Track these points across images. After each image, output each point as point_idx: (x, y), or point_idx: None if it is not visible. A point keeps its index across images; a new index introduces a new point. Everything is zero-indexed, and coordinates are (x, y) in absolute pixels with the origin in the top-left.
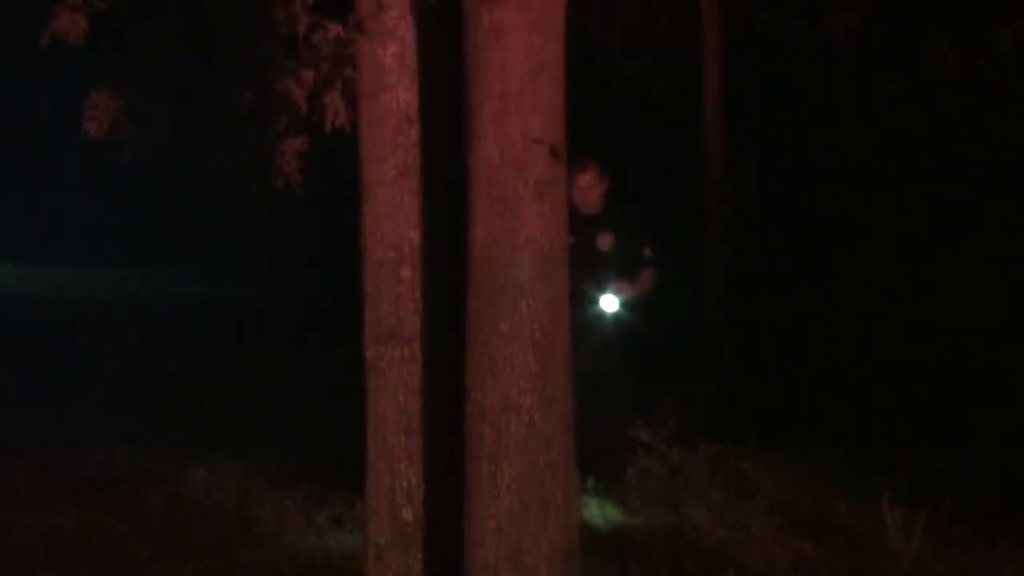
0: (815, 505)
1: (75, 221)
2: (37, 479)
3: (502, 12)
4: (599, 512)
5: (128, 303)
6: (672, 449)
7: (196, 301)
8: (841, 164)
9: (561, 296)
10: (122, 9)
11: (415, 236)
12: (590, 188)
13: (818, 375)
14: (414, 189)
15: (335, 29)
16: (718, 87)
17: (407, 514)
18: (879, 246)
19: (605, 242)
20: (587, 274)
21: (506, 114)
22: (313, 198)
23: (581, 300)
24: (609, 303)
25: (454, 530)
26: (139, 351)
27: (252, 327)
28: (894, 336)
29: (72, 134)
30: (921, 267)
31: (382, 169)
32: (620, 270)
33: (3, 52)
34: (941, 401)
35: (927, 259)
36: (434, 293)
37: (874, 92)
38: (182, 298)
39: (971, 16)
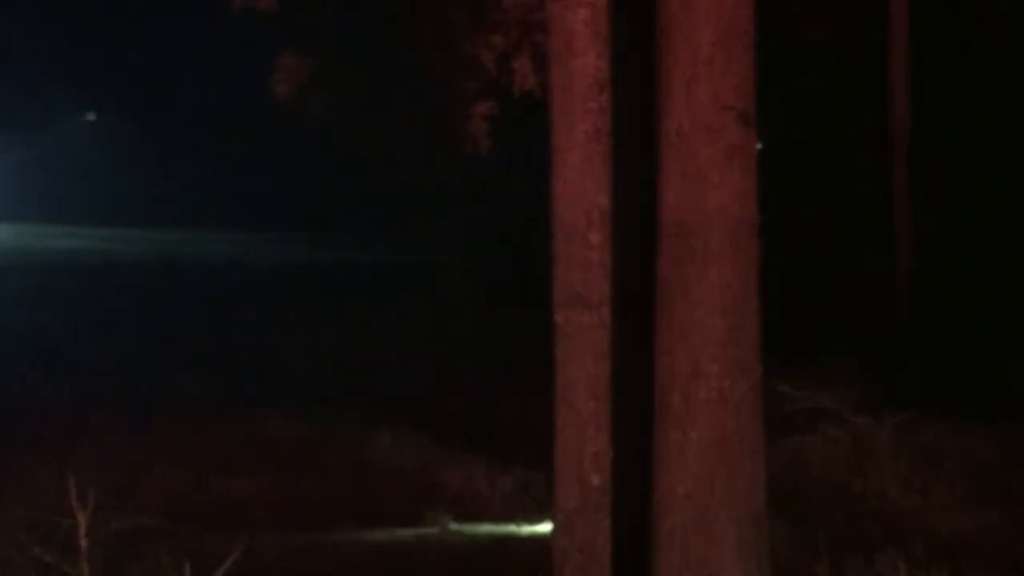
0: (1001, 474)
1: (257, 186)
2: (221, 445)
3: None
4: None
5: (308, 269)
6: (857, 416)
7: (377, 266)
8: None
9: (752, 262)
10: None
11: (604, 201)
12: None
13: (1008, 339)
14: (604, 154)
15: None
16: (905, 49)
17: (595, 479)
18: None
19: None
20: None
21: (697, 80)
22: (500, 163)
23: None
24: None
25: (642, 496)
26: (318, 316)
27: (434, 292)
28: None
29: (257, 101)
30: None
31: (572, 134)
32: None
33: (193, 17)
34: None
35: None
36: (623, 259)
37: None
38: (362, 263)
39: None
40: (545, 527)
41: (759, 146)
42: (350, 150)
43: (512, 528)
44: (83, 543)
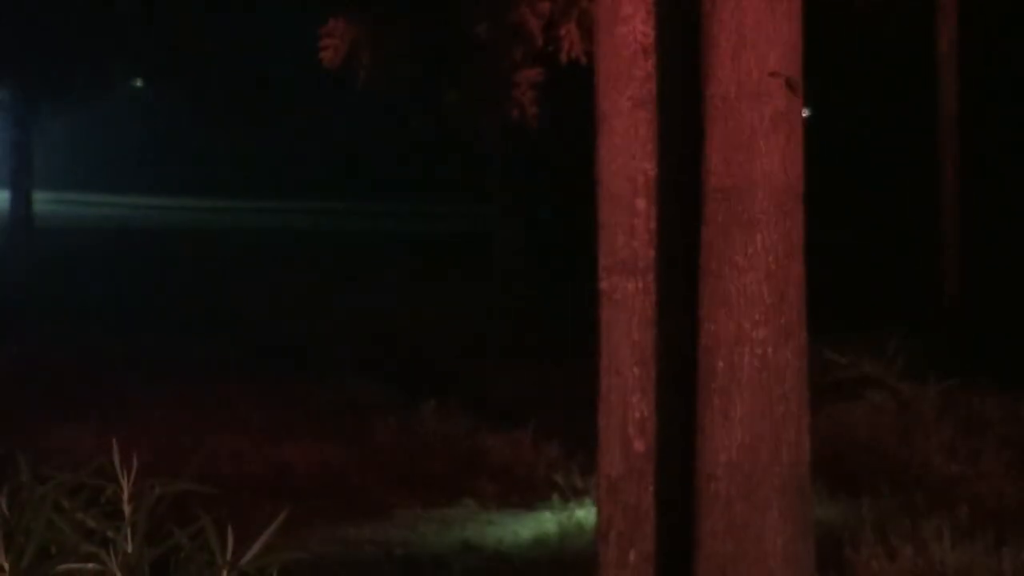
0: None
1: (302, 155)
2: (269, 410)
3: None
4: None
5: (354, 237)
6: (902, 383)
7: (424, 236)
8: None
9: (797, 229)
10: None
11: (650, 168)
12: None
13: None
14: (650, 121)
15: None
16: (954, 18)
17: (639, 446)
18: None
19: None
20: None
21: (743, 47)
22: (547, 131)
23: None
24: None
25: (686, 463)
26: (367, 284)
27: (483, 261)
28: None
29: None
30: None
31: (618, 101)
32: None
33: None
34: None
35: None
36: (669, 225)
37: None
38: (412, 233)
39: None
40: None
41: (806, 113)
42: (398, 120)
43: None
44: (126, 508)
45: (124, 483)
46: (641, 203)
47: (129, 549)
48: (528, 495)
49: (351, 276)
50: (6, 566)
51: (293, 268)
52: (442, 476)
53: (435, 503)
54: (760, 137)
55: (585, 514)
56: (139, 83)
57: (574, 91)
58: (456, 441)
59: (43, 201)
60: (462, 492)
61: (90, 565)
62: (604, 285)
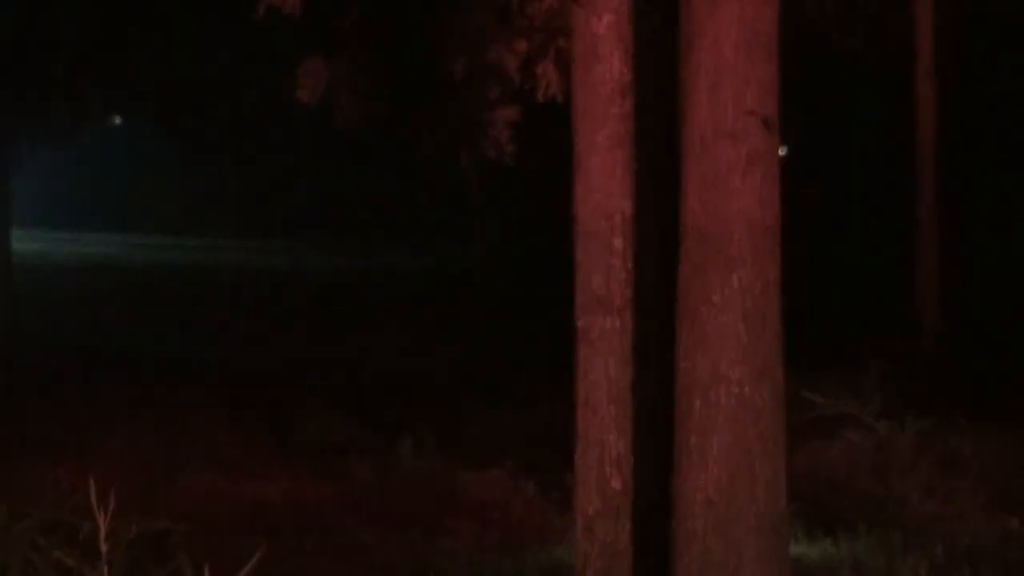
0: None
1: (280, 192)
2: (245, 448)
3: None
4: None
5: (334, 274)
6: (880, 422)
7: (406, 274)
8: None
9: (773, 268)
10: None
11: (627, 206)
12: None
13: None
14: (626, 160)
15: (549, 0)
16: (930, 61)
17: (616, 484)
18: None
19: None
20: None
21: (719, 86)
22: (523, 170)
23: None
24: None
25: (663, 500)
26: (347, 323)
27: (463, 299)
28: None
29: (281, 108)
30: None
31: (595, 139)
32: None
33: (218, 23)
34: None
35: None
36: (645, 264)
37: None
38: (392, 270)
39: None
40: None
41: (782, 152)
42: (374, 156)
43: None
44: (103, 546)
45: (101, 521)
46: (618, 242)
47: None
48: (506, 533)
49: (328, 313)
50: None
51: (268, 305)
52: (419, 514)
53: (412, 542)
54: (736, 176)
55: (563, 553)
56: (117, 120)
57: (551, 130)
58: (433, 479)
59: (20, 239)
60: (439, 531)
61: None
62: (581, 324)
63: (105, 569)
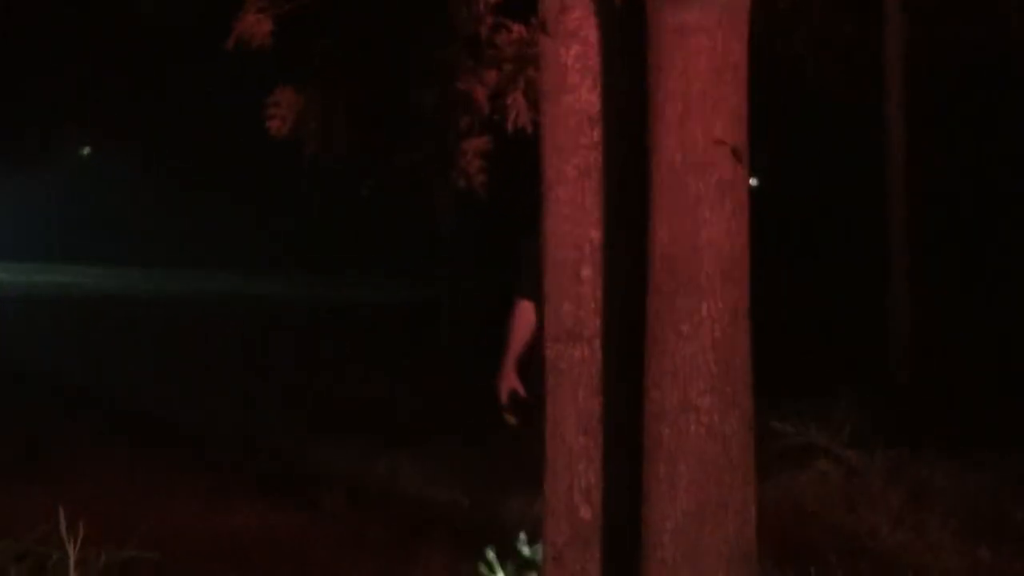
0: (994, 511)
1: (251, 224)
2: (218, 477)
3: (686, 14)
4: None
5: (306, 305)
6: (849, 452)
7: (374, 304)
8: None
9: (743, 297)
10: (307, 10)
11: (596, 236)
12: None
13: (1004, 377)
14: (595, 189)
15: (518, 30)
16: (902, 92)
17: (585, 513)
18: None
19: None
20: None
21: (688, 115)
22: (492, 199)
23: None
24: None
25: (632, 529)
26: (318, 353)
27: (431, 329)
28: None
29: (252, 141)
30: None
31: (563, 169)
32: None
33: (188, 55)
34: None
35: None
36: (615, 293)
37: None
38: (359, 301)
39: None
40: None
41: (753, 182)
42: (345, 187)
43: None
44: (72, 575)
45: (71, 550)
46: (587, 271)
47: None
48: (477, 562)
49: (302, 344)
50: None
51: (235, 335)
52: (392, 542)
53: (384, 571)
54: (706, 206)
55: None
56: (87, 151)
57: (520, 159)
58: (405, 506)
59: None
60: (410, 559)
61: None
62: (550, 353)
63: None
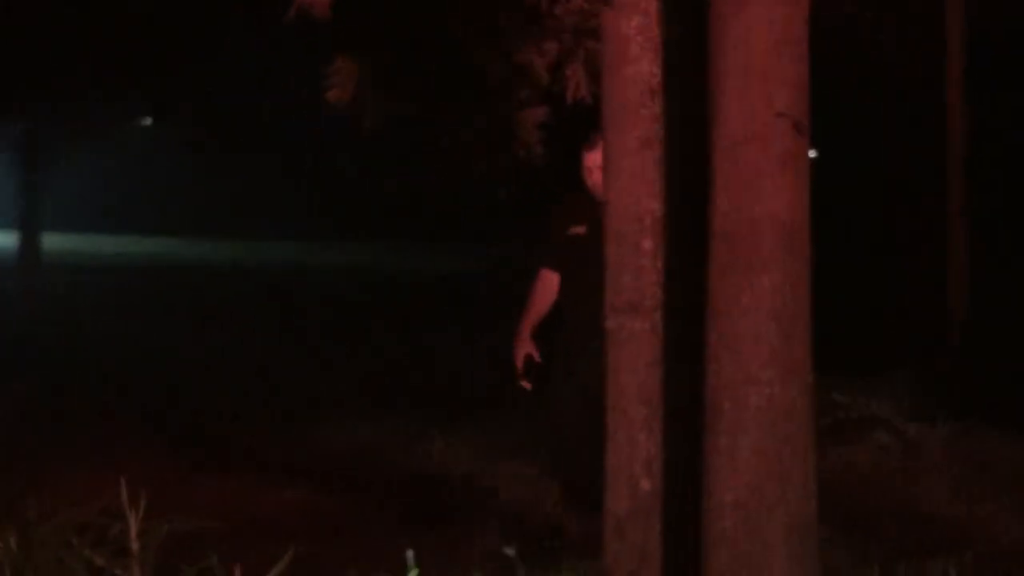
0: None
1: (308, 194)
2: (271, 452)
3: None
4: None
5: (362, 277)
6: (909, 424)
7: (434, 275)
8: None
9: (803, 269)
10: None
11: (657, 207)
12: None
13: None
14: (656, 161)
15: (578, 1)
16: (961, 70)
17: (646, 484)
18: None
19: None
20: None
21: (749, 88)
22: (551, 170)
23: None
24: None
25: (693, 501)
26: (375, 324)
27: (487, 301)
28: None
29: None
30: None
31: (624, 141)
32: None
33: (247, 24)
34: None
35: None
36: (675, 265)
37: None
38: (418, 272)
39: None
40: None
41: (812, 154)
42: (403, 158)
43: None
44: (134, 545)
45: (132, 521)
46: (647, 243)
47: None
48: (539, 534)
49: (357, 315)
50: None
51: (290, 308)
52: (449, 518)
53: (443, 545)
54: (766, 178)
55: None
56: (148, 122)
57: (578, 131)
58: (460, 481)
59: (52, 242)
60: (470, 534)
61: None
62: (611, 325)
63: (136, 568)
